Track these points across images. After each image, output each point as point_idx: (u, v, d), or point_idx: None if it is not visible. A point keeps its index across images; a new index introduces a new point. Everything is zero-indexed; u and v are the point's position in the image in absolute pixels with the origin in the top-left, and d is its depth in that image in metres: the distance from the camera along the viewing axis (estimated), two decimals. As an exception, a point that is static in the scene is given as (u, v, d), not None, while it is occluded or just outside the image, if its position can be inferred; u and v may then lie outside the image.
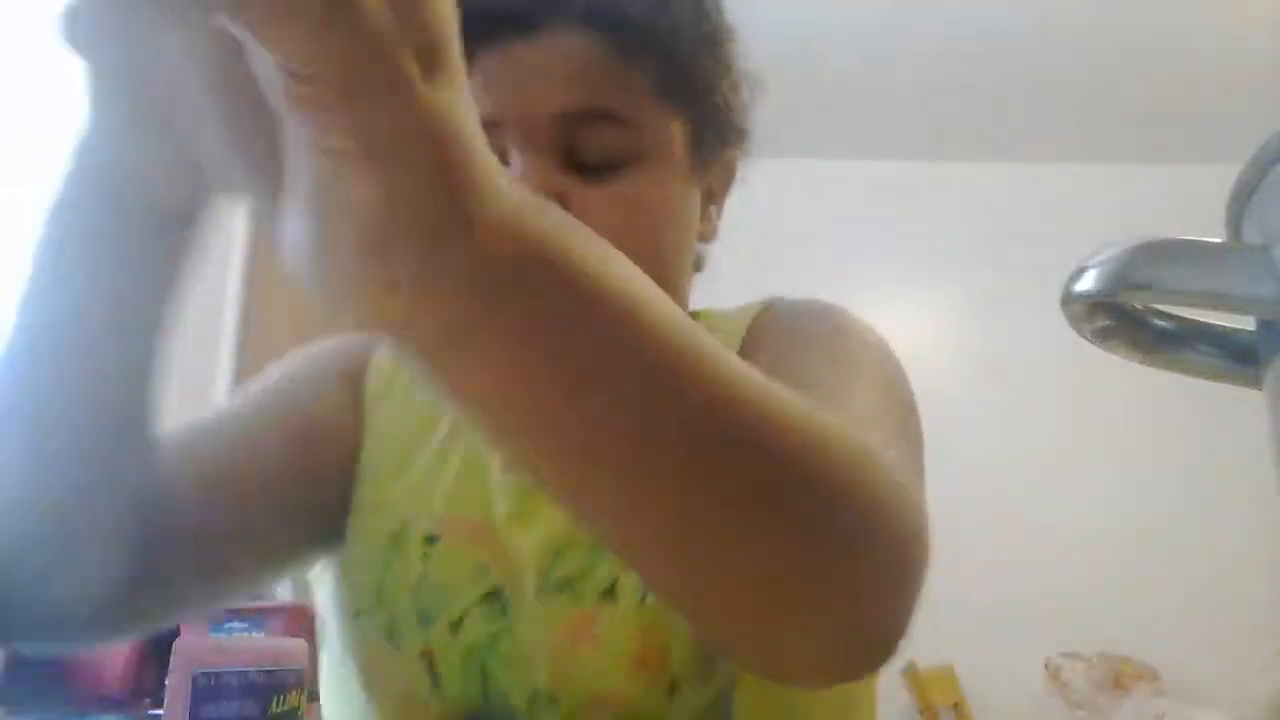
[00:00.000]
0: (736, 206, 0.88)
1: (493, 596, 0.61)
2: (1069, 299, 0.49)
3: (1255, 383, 0.50)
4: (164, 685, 0.76)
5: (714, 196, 0.72)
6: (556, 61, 0.60)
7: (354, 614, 0.65)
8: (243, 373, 2.40)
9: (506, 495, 0.65)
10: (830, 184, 3.58)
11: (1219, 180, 0.57)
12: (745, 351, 0.63)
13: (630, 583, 0.59)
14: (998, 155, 3.53)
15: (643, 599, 0.59)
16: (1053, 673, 2.98)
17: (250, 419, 0.64)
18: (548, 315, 0.30)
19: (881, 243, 3.56)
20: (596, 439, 0.32)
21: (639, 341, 0.32)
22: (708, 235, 0.72)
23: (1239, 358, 0.53)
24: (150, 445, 0.49)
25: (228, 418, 0.64)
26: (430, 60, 0.25)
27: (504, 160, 0.59)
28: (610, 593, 0.59)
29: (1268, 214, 0.46)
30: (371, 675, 0.64)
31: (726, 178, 0.73)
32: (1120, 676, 2.96)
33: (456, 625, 0.61)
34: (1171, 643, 3.05)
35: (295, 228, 0.26)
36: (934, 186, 3.57)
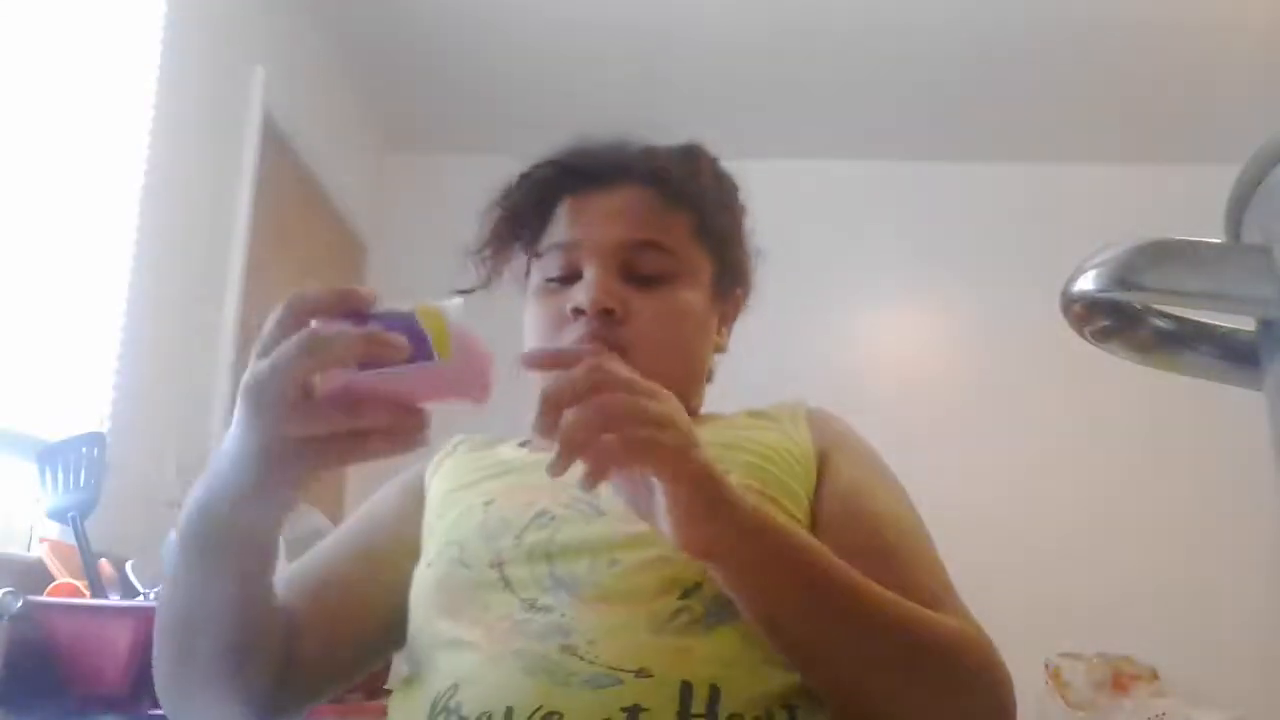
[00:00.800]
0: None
1: (542, 515, 0.78)
2: (1069, 299, 0.49)
3: (1255, 383, 0.50)
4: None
5: (725, 320, 0.96)
6: (621, 206, 0.86)
7: (426, 565, 0.80)
8: (241, 374, 2.40)
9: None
10: (830, 184, 3.58)
11: (1219, 180, 0.57)
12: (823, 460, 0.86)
13: None
14: (998, 155, 3.52)
15: None
16: (1053, 673, 2.98)
17: (337, 556, 0.86)
18: (770, 540, 0.64)
19: (881, 242, 3.56)
20: (803, 611, 0.66)
21: (814, 558, 0.66)
22: (721, 346, 0.95)
23: (1239, 358, 0.53)
24: (270, 625, 0.74)
25: (325, 557, 0.86)
26: (692, 443, 0.60)
27: (579, 272, 0.85)
28: None
29: (1268, 214, 0.46)
30: (443, 604, 0.76)
31: (734, 310, 0.97)
32: (1120, 676, 2.96)
33: (519, 537, 0.76)
34: (1171, 643, 3.04)
35: (659, 516, 0.61)
36: (934, 186, 3.57)
